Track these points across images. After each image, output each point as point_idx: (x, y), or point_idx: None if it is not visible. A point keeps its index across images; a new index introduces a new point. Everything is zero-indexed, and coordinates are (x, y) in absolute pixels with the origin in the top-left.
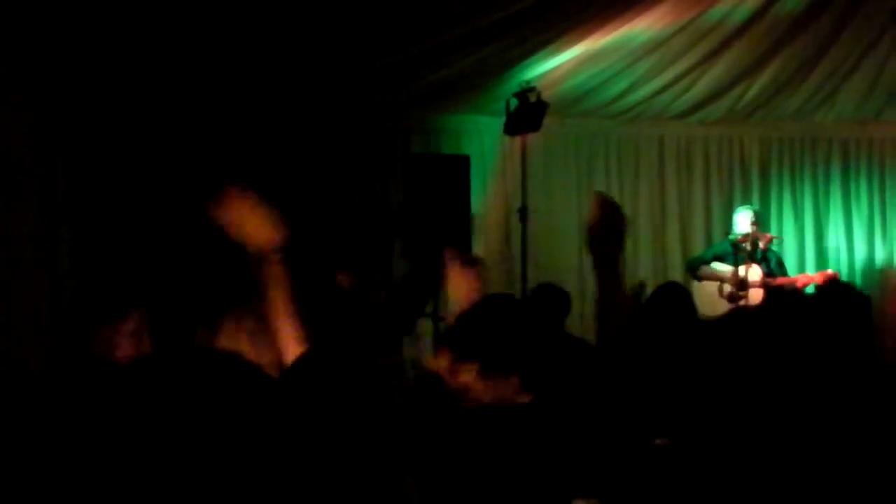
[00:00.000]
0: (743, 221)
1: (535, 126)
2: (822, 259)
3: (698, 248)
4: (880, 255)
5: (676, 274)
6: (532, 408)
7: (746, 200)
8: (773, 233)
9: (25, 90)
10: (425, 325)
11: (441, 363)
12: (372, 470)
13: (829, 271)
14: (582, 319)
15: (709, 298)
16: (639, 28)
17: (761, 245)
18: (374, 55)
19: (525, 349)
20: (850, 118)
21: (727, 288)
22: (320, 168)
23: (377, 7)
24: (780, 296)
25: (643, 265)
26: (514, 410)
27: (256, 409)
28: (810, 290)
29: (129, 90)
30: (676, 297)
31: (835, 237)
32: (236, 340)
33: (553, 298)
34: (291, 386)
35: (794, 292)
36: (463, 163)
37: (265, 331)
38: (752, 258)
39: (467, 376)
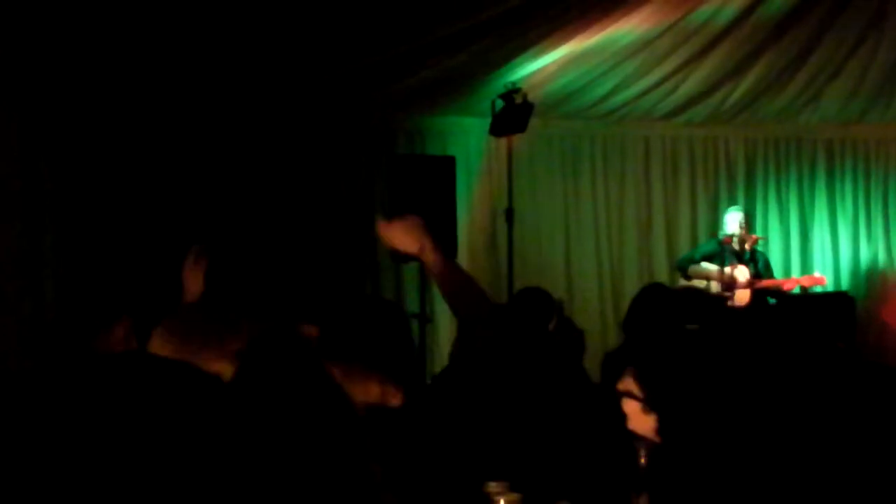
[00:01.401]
0: (732, 222)
1: (520, 127)
2: (806, 259)
3: (684, 249)
4: (865, 256)
5: (662, 274)
6: (405, 410)
7: (732, 201)
8: (758, 233)
9: (9, 94)
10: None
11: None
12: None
13: (816, 274)
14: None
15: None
16: (624, 29)
17: (747, 246)
18: (359, 56)
19: (383, 350)
20: (834, 119)
21: (714, 289)
22: (305, 168)
23: (363, 8)
24: (765, 300)
25: (629, 265)
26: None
27: (211, 408)
28: (796, 292)
29: (112, 91)
30: (661, 297)
31: (819, 238)
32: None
33: (536, 301)
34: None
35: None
36: (448, 164)
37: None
38: (739, 259)
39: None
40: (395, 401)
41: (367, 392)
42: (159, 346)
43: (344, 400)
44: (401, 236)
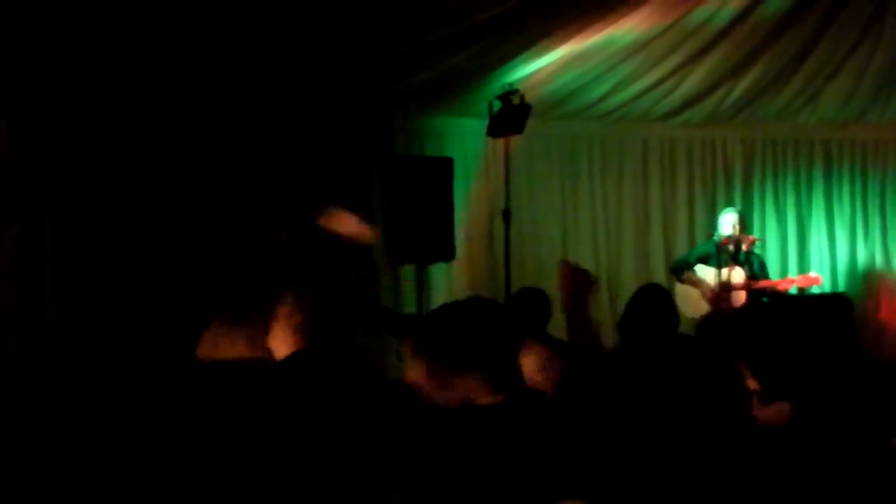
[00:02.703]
0: (726, 223)
1: (518, 128)
2: (804, 260)
3: (681, 250)
4: (862, 256)
5: (659, 275)
6: (504, 409)
7: (729, 202)
8: (755, 234)
9: (5, 92)
10: None
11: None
12: (363, 473)
13: (812, 274)
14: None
15: (692, 300)
16: (622, 30)
17: (744, 247)
18: (357, 56)
19: (483, 347)
20: (832, 120)
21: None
22: (303, 168)
23: (361, 8)
24: (761, 300)
25: (626, 266)
26: (483, 412)
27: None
28: (793, 292)
29: (111, 91)
30: (657, 298)
31: (817, 238)
32: (234, 340)
33: (534, 302)
34: (281, 383)
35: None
36: (446, 165)
37: (263, 331)
38: (735, 260)
39: (415, 375)
40: (485, 400)
41: (462, 387)
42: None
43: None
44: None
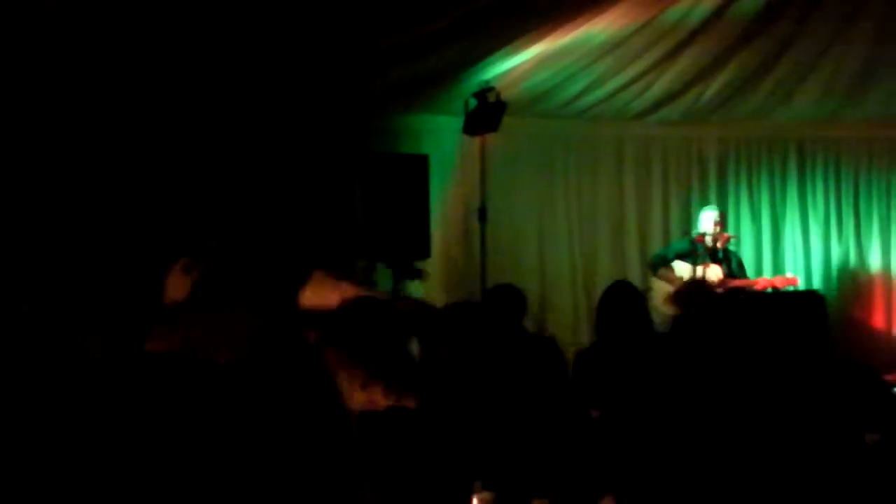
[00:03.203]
0: (707, 220)
1: (493, 126)
2: (778, 258)
3: (656, 248)
4: (836, 255)
5: (635, 272)
6: (419, 413)
7: (704, 200)
8: (730, 232)
9: None
10: None
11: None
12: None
13: (789, 275)
14: (542, 318)
15: (668, 296)
16: (597, 28)
17: (719, 244)
18: (334, 55)
19: (397, 358)
20: (807, 118)
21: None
22: (280, 167)
23: (338, 8)
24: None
25: (602, 264)
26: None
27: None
28: (768, 292)
29: (59, 84)
30: (627, 295)
31: (791, 236)
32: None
33: (510, 299)
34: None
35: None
36: (421, 162)
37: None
38: (712, 258)
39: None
40: (410, 403)
41: (374, 396)
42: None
43: (336, 401)
44: None
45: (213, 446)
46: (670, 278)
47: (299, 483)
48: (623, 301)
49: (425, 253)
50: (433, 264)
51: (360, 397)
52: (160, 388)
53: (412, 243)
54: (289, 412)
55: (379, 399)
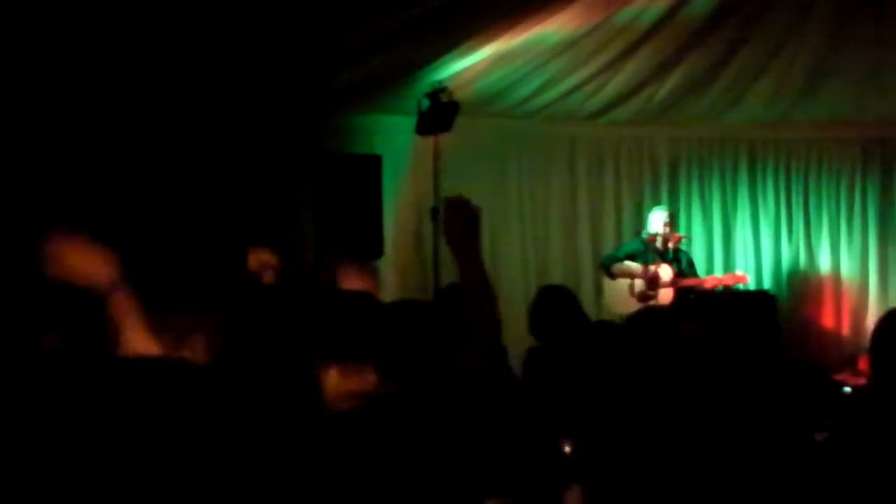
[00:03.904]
0: (657, 221)
1: (446, 126)
2: (729, 257)
3: (608, 248)
4: (786, 255)
5: (587, 272)
6: (396, 399)
7: (656, 200)
8: (681, 232)
9: None
10: None
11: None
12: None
13: (738, 273)
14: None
15: (620, 297)
16: (550, 29)
17: (670, 244)
18: (286, 54)
19: (377, 341)
20: (758, 119)
21: (638, 287)
22: (232, 166)
23: (290, 6)
24: (688, 299)
25: (554, 264)
26: (378, 405)
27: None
28: (719, 290)
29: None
30: (560, 299)
31: (742, 237)
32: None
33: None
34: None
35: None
36: (374, 162)
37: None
38: (663, 257)
39: (331, 377)
40: (391, 387)
41: (364, 381)
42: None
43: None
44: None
45: (193, 449)
46: (627, 272)
47: (279, 484)
48: (554, 305)
49: (378, 252)
50: (386, 264)
51: (342, 385)
52: (129, 392)
53: (365, 243)
54: (268, 413)
55: (359, 384)
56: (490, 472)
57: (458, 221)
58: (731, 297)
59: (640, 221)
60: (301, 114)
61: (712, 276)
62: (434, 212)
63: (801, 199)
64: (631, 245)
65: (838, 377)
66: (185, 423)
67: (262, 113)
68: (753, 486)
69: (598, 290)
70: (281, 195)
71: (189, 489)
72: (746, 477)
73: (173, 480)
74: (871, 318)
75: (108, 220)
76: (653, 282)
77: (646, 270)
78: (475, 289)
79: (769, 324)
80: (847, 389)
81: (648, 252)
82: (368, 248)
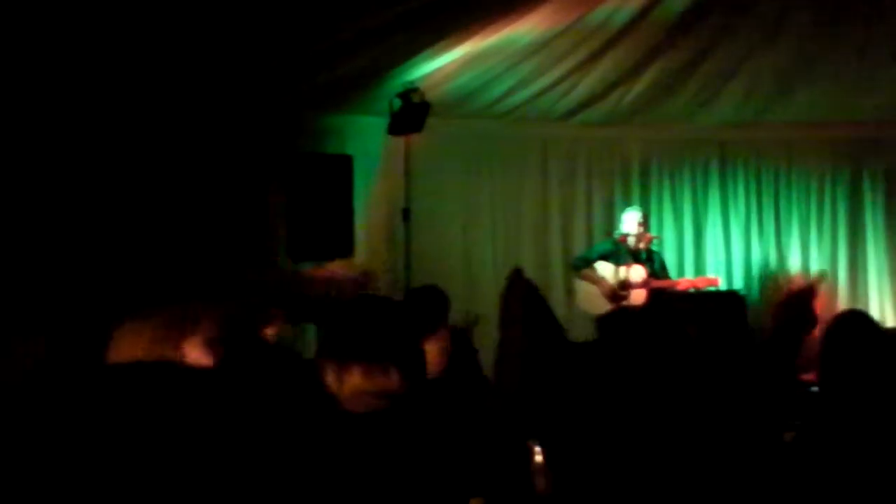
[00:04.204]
0: (630, 221)
1: (418, 126)
2: (700, 258)
3: (580, 248)
4: (756, 256)
5: (558, 273)
6: (411, 402)
7: (627, 201)
8: (653, 233)
9: None
10: None
11: (326, 373)
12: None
13: (710, 276)
14: (466, 318)
15: (591, 297)
16: (522, 30)
17: (642, 245)
18: (259, 55)
19: (400, 342)
20: (729, 121)
21: (610, 287)
22: (204, 166)
23: (263, 8)
24: (661, 300)
25: (526, 265)
26: (397, 411)
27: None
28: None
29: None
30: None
31: (713, 238)
32: (137, 343)
33: (432, 299)
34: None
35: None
36: (345, 163)
37: (170, 335)
38: (635, 258)
39: (354, 377)
40: (393, 385)
41: (388, 382)
42: (130, 343)
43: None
44: None
45: (195, 451)
46: (594, 279)
47: (284, 483)
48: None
49: (349, 253)
50: (357, 264)
51: (364, 384)
52: (121, 399)
53: (336, 243)
54: (270, 413)
55: (363, 383)
56: (468, 472)
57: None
58: (701, 298)
59: (611, 222)
60: (273, 114)
61: (685, 278)
62: (405, 212)
63: (771, 200)
64: (603, 245)
65: (807, 377)
66: (185, 429)
67: (235, 113)
68: (722, 485)
69: (569, 291)
70: (253, 194)
71: (192, 494)
72: (716, 476)
73: (175, 487)
74: None
75: (84, 223)
76: (624, 283)
77: (614, 278)
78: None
79: (739, 324)
80: (815, 389)
81: (620, 252)
82: (339, 247)
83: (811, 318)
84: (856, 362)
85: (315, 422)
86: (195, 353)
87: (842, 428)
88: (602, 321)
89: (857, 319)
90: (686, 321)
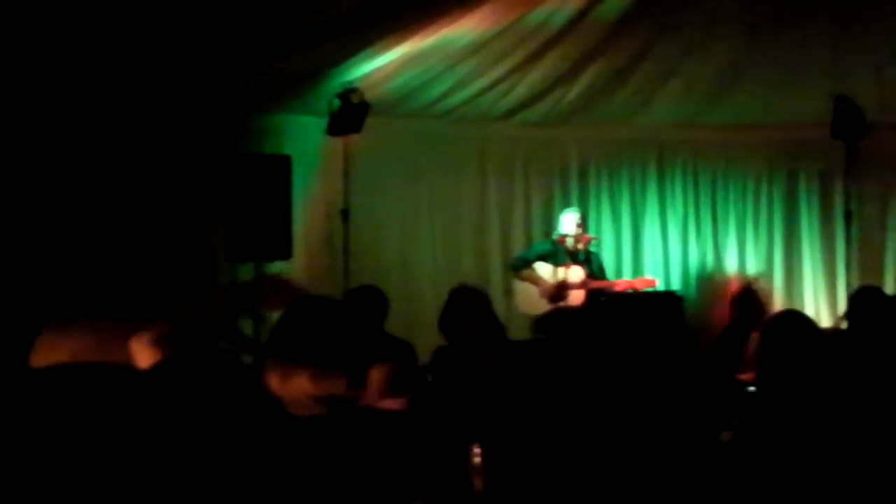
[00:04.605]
0: (568, 222)
1: (357, 127)
2: (638, 259)
3: (518, 249)
4: (694, 256)
5: (497, 273)
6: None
7: (566, 202)
8: (591, 234)
9: None
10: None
11: (270, 375)
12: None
13: (648, 277)
14: (406, 320)
15: (530, 298)
16: (461, 30)
17: (580, 246)
18: (196, 55)
19: (349, 348)
20: (666, 122)
21: (548, 288)
22: (141, 167)
23: (200, 8)
24: (599, 301)
25: (465, 265)
26: (345, 414)
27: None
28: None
29: None
30: (473, 299)
31: (651, 238)
32: (61, 349)
33: (371, 300)
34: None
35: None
36: (284, 163)
37: (116, 337)
38: (573, 259)
39: (301, 381)
40: (340, 390)
41: (335, 387)
42: (54, 349)
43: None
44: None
45: (126, 452)
46: (533, 279)
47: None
48: (467, 306)
49: (287, 254)
50: (295, 265)
51: (294, 388)
52: (42, 401)
53: (274, 244)
54: (204, 415)
55: (310, 387)
56: (405, 475)
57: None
58: (639, 298)
59: (549, 222)
60: (211, 114)
61: (623, 279)
62: (344, 212)
63: (708, 201)
64: (541, 246)
65: (744, 377)
66: (128, 429)
67: (171, 113)
68: (659, 485)
69: (508, 291)
70: (191, 195)
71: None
72: (652, 475)
73: (94, 485)
74: None
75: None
76: (563, 284)
77: (553, 278)
78: None
79: (677, 324)
80: (752, 389)
81: (559, 253)
82: (277, 249)
83: (759, 313)
84: (792, 362)
85: (257, 425)
86: (132, 356)
87: (779, 427)
88: (539, 322)
89: (794, 320)
90: (623, 321)
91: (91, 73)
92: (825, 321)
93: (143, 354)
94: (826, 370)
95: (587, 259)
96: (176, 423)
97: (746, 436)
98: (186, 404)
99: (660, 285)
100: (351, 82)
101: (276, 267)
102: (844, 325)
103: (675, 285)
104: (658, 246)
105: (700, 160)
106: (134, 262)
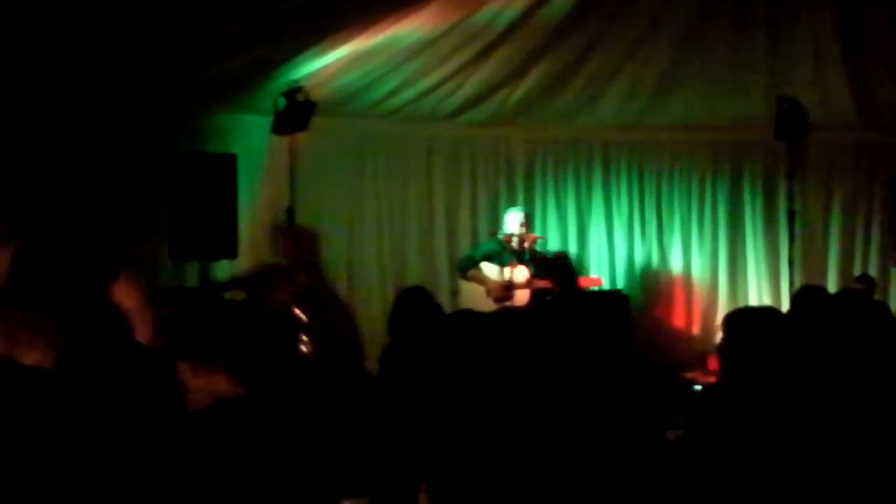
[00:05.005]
0: (512, 222)
1: (302, 125)
2: (584, 259)
3: (465, 248)
4: (639, 256)
5: (443, 273)
6: (249, 403)
7: (512, 201)
8: (537, 233)
9: None
10: None
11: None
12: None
13: (593, 276)
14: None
15: (476, 298)
16: (407, 29)
17: (526, 245)
18: (141, 53)
19: (229, 344)
20: (611, 122)
21: (494, 288)
22: (86, 166)
23: (144, 7)
24: (544, 300)
25: (411, 264)
26: (232, 408)
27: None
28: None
29: None
30: (420, 300)
31: (596, 238)
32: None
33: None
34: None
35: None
36: (229, 162)
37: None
38: (519, 258)
39: (185, 375)
40: (241, 391)
41: (215, 384)
42: None
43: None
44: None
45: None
46: (479, 279)
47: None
48: (415, 307)
49: (233, 253)
50: (241, 264)
51: (197, 385)
52: None
53: (220, 243)
54: (110, 411)
55: (213, 386)
56: (346, 473)
57: None
58: (584, 297)
59: (495, 222)
60: (155, 112)
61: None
62: (289, 211)
63: (653, 201)
64: (487, 245)
65: (689, 375)
66: (30, 426)
67: (116, 111)
68: (605, 485)
69: (455, 291)
70: (135, 194)
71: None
72: (598, 475)
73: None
74: (721, 318)
75: None
76: (508, 286)
77: (500, 278)
78: None
79: (622, 323)
80: (697, 388)
81: (504, 253)
82: (223, 248)
83: None
84: (756, 358)
85: (165, 417)
86: (31, 355)
87: (744, 423)
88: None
89: (756, 315)
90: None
91: (33, 71)
92: None
93: (33, 355)
94: (789, 364)
95: (532, 258)
96: (71, 421)
97: (703, 433)
98: (84, 401)
99: (605, 284)
100: (296, 81)
101: (223, 266)
102: None
103: (621, 284)
104: (604, 245)
105: (645, 160)
106: (76, 260)
